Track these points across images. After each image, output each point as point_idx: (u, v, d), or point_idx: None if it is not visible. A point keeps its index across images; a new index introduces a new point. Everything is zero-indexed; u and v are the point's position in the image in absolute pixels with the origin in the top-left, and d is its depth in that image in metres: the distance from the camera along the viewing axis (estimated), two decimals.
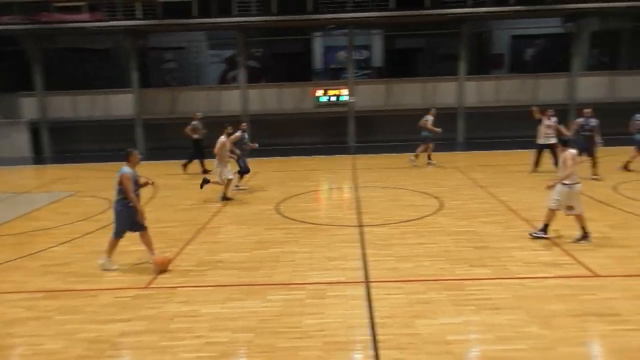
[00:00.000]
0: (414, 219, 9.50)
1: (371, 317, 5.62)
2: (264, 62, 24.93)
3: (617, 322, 5.32)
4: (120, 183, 7.02)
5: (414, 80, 21.55)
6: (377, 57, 25.18)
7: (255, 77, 22.87)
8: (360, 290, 6.37)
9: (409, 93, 20.75)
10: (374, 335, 5.26)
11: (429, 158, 15.34)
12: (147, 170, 16.68)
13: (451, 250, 7.71)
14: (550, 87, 20.57)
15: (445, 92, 20.66)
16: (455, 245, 7.96)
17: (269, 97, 20.98)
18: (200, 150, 15.01)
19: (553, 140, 12.66)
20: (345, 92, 20.39)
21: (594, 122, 12.54)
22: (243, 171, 12.62)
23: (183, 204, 11.48)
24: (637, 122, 12.90)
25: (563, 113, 20.35)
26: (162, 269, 7.18)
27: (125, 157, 7.17)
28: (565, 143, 8.12)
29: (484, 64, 24.65)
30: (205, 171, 14.57)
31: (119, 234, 7.29)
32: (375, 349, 5.01)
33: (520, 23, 22.47)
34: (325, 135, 21.92)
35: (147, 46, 22.79)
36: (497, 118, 20.84)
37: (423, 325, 5.39)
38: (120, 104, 21.09)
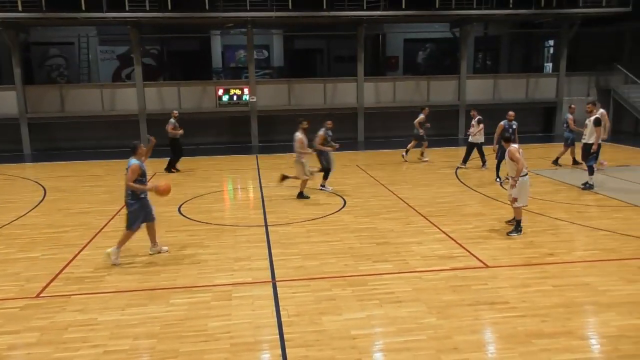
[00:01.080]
0: (319, 217, 9.62)
1: (278, 316, 5.60)
2: (161, 60, 23.93)
3: (506, 309, 5.74)
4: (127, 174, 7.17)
5: (315, 80, 21.83)
6: (278, 57, 25.20)
7: (152, 76, 21.87)
8: (267, 290, 6.33)
9: (310, 93, 20.99)
10: (281, 334, 5.24)
11: (422, 155, 15.68)
12: (35, 172, 15.49)
13: (355, 247, 7.90)
14: (441, 89, 21.83)
15: (345, 92, 21.16)
16: (359, 241, 8.17)
17: (167, 96, 20.15)
18: (181, 148, 14.70)
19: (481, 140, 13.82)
20: (246, 91, 20.17)
21: (515, 125, 12.39)
22: (325, 169, 11.82)
23: (75, 207, 10.72)
24: (567, 120, 14.16)
25: (454, 114, 21.82)
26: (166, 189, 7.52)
27: (132, 151, 7.34)
28: (507, 139, 8.54)
29: (380, 66, 25.62)
30: (174, 170, 14.52)
31: (133, 227, 7.34)
32: (283, 347, 4.99)
33: (413, 27, 23.65)
34: (227, 135, 21.52)
35: (29, 41, 20.97)
36: (394, 118, 21.74)
37: (329, 322, 5.47)
38: (1, 101, 19.19)
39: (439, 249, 7.80)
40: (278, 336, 5.21)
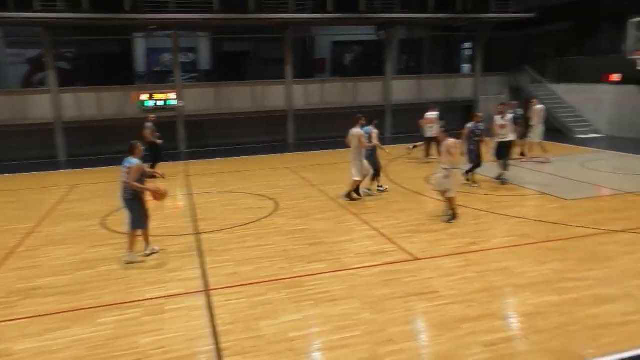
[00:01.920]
0: (251, 222, 9.57)
1: (213, 326, 5.53)
2: (78, 64, 22.79)
3: (435, 298, 6.01)
4: (128, 173, 7.29)
5: (243, 83, 21.68)
6: (205, 60, 24.79)
7: (69, 81, 20.73)
8: (201, 300, 6.23)
9: (238, 96, 20.81)
10: (217, 344, 5.18)
11: (427, 154, 15.39)
12: None
13: (289, 250, 7.94)
14: (368, 90, 22.37)
15: (274, 95, 21.17)
16: (292, 244, 8.22)
17: (86, 102, 19.16)
18: (160, 153, 14.09)
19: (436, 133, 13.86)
20: (172, 95, 19.65)
21: (482, 127, 11.64)
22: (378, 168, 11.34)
23: None
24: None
25: (381, 114, 22.39)
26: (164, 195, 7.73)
27: (130, 150, 7.47)
28: (447, 133, 9.50)
29: (309, 68, 25.86)
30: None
31: (136, 226, 7.52)
32: (219, 357, 4.94)
33: (340, 30, 24.07)
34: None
35: None
36: (323, 119, 22.01)
37: (266, 327, 5.47)
38: None
39: (371, 245, 8.00)
40: (214, 346, 5.15)
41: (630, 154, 15.65)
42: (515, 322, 5.47)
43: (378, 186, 11.53)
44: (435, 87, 23.35)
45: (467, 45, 28.16)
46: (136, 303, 6.21)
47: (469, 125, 11.65)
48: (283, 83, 21.11)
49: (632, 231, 8.22)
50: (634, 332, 5.09)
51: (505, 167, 12.02)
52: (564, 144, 18.08)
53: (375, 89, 22.48)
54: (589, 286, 6.19)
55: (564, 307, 5.66)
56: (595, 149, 16.87)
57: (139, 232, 7.65)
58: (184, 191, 12.74)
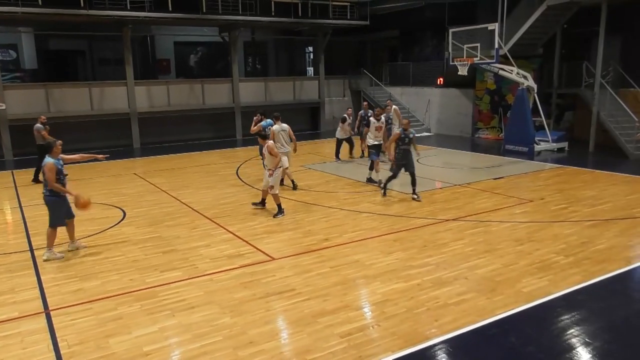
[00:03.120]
0: (96, 233, 8.86)
1: (57, 350, 5.00)
2: None
3: (293, 296, 6.15)
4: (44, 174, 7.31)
5: (78, 84, 19.93)
6: (29, 58, 22.23)
7: None
8: (40, 323, 5.59)
9: (73, 98, 19.06)
10: None
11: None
12: None
13: (140, 260, 7.51)
14: (216, 92, 22.07)
15: (114, 97, 19.79)
16: (144, 253, 7.79)
17: None
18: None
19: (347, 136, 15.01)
20: None
21: (413, 134, 10.54)
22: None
23: None
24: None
25: (230, 116, 22.25)
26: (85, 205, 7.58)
27: (48, 149, 7.45)
28: (264, 137, 10.09)
29: (151, 69, 24.68)
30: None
31: (56, 224, 7.56)
32: None
33: (182, 30, 23.36)
34: None
35: None
36: (170, 122, 21.20)
37: (117, 343, 5.10)
38: None
39: (227, 249, 7.92)
40: None
41: (456, 150, 17.66)
42: (367, 311, 5.82)
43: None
44: (282, 89, 23.90)
45: (310, 49, 29.31)
46: None
47: (399, 131, 10.74)
48: (124, 84, 19.85)
49: (461, 219, 9.28)
50: (467, 309, 5.75)
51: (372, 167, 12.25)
52: None
53: (223, 91, 22.28)
54: (429, 271, 6.84)
55: (409, 292, 6.19)
56: (428, 146, 18.69)
57: (55, 230, 7.62)
58: (13, 204, 11.31)
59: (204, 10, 19.45)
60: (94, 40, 23.11)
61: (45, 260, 7.48)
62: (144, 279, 6.79)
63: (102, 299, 6.17)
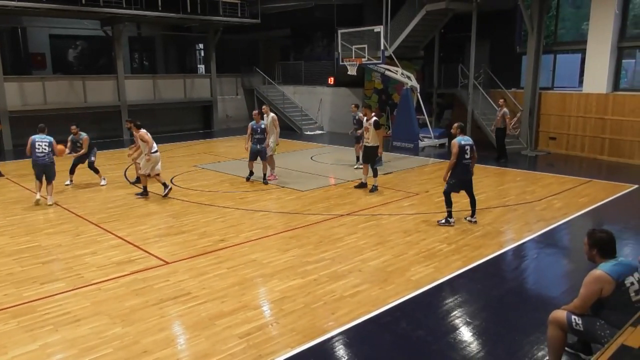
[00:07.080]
0: None
1: None
2: None
3: (189, 300, 5.98)
4: None
5: None
6: None
7: None
8: None
9: None
10: None
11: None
12: None
13: (16, 272, 6.87)
14: (99, 89, 20.73)
15: None
16: (20, 265, 7.14)
17: None
18: None
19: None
20: None
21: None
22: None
23: None
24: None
25: (116, 115, 21.04)
26: None
27: None
28: (138, 127, 10.77)
29: (24, 64, 22.58)
30: None
31: None
32: None
33: (59, 22, 21.62)
34: None
35: None
36: (47, 122, 19.51)
37: None
38: None
39: (116, 255, 7.50)
40: None
41: (347, 147, 18.22)
42: (266, 310, 5.84)
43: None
44: (173, 87, 23.08)
45: (201, 46, 28.59)
46: None
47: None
48: None
49: (354, 214, 9.62)
50: (362, 300, 5.98)
51: (375, 173, 11.22)
52: (296, 141, 19.99)
53: (107, 89, 21.01)
54: (325, 266, 7.01)
55: (306, 288, 6.30)
56: (321, 144, 19.09)
57: None
58: None
59: (83, 2, 18.17)
60: None
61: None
62: (21, 293, 6.22)
63: None
